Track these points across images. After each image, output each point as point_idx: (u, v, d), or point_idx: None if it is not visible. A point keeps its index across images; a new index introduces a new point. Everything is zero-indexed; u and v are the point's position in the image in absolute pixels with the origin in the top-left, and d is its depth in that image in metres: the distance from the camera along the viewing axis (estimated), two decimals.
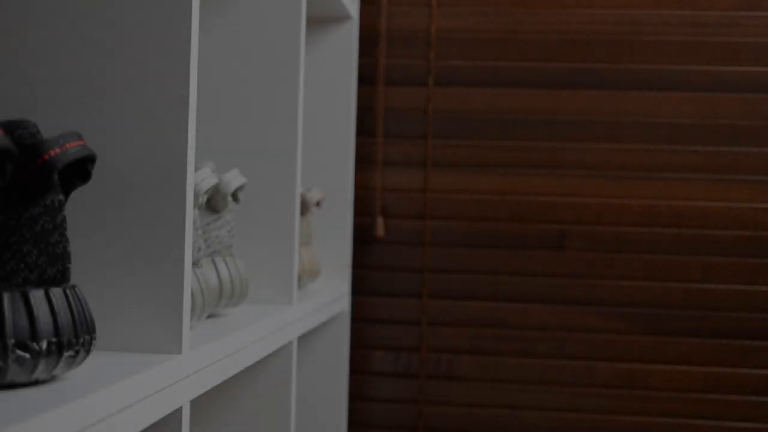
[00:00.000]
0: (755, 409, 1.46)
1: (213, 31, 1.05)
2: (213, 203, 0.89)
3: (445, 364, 1.52)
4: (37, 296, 0.51)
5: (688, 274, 1.48)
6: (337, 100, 1.45)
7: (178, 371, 0.65)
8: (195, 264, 0.80)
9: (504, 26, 1.52)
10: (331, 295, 1.30)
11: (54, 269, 0.53)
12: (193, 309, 0.76)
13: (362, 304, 1.54)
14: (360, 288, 1.54)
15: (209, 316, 0.91)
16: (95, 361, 0.61)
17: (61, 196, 0.54)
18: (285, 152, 1.04)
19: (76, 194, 0.66)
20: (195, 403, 1.04)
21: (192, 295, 0.76)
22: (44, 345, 0.50)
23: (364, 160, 1.54)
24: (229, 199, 0.89)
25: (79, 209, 0.66)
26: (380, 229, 1.52)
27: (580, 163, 1.50)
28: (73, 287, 0.54)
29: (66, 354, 0.52)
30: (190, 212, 0.67)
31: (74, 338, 0.52)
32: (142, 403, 0.58)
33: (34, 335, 0.50)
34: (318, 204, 1.26)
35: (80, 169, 0.56)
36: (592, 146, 1.50)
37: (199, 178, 0.81)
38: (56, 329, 0.51)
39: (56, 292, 0.52)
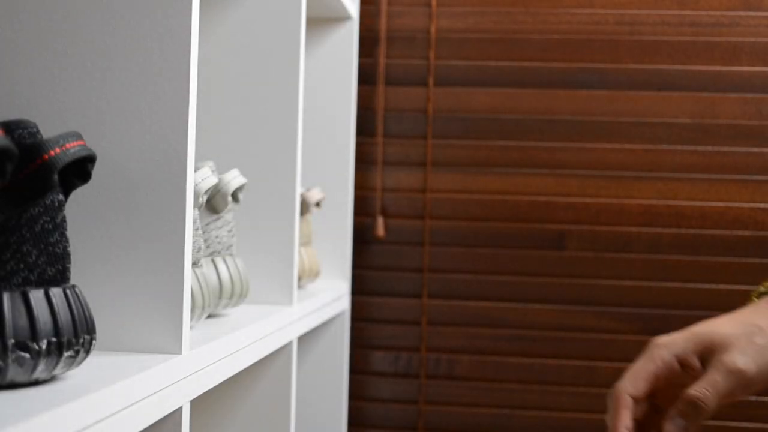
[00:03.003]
0: (755, 409, 1.46)
1: (213, 31, 1.05)
2: (213, 203, 0.89)
3: (445, 364, 1.52)
4: (37, 296, 0.51)
5: (688, 274, 1.48)
6: (337, 100, 1.45)
7: (178, 371, 0.65)
8: (195, 264, 0.80)
9: (504, 26, 1.52)
10: (331, 295, 1.30)
11: (54, 269, 0.53)
12: (193, 309, 0.76)
13: (362, 304, 1.54)
14: (360, 288, 1.54)
15: (209, 316, 0.91)
16: (95, 361, 0.61)
17: (61, 196, 0.54)
18: (285, 152, 1.04)
19: (76, 194, 0.66)
20: (195, 403, 1.04)
21: (192, 295, 0.76)
22: (44, 345, 0.50)
23: (364, 160, 1.54)
24: (229, 199, 0.89)
25: (79, 209, 0.66)
26: (380, 229, 1.52)
27: (580, 163, 1.50)
28: (73, 287, 0.54)
29: (66, 354, 0.52)
30: (190, 212, 0.67)
31: (74, 338, 0.52)
32: (142, 403, 0.58)
33: (34, 335, 0.50)
34: (318, 204, 1.26)
35: (80, 169, 0.56)
36: (592, 146, 1.50)
37: (199, 178, 0.81)
38: (56, 329, 0.51)
39: (56, 292, 0.52)
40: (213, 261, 0.87)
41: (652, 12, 1.49)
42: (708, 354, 0.70)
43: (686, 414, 0.68)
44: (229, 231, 0.91)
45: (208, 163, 0.85)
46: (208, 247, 0.88)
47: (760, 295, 0.75)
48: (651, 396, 0.72)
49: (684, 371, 0.71)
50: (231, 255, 0.91)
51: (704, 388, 0.68)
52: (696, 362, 0.70)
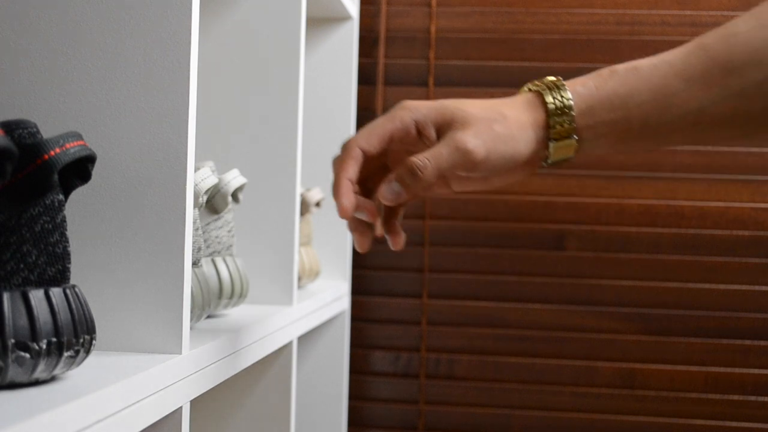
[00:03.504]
0: (755, 409, 1.46)
1: (213, 31, 1.05)
2: (213, 203, 0.89)
3: (445, 364, 1.52)
4: (37, 296, 0.51)
5: (688, 274, 1.48)
6: (337, 100, 1.45)
7: (178, 371, 0.65)
8: (195, 264, 0.80)
9: (504, 26, 1.52)
10: (331, 295, 1.30)
11: (54, 269, 0.53)
12: (193, 309, 0.76)
13: (362, 304, 1.54)
14: (360, 288, 1.54)
15: (209, 316, 0.91)
16: (95, 361, 0.61)
17: (61, 196, 0.54)
18: (285, 152, 1.04)
19: (76, 194, 0.66)
20: (195, 403, 1.04)
21: (192, 295, 0.76)
22: (44, 345, 0.50)
23: None
24: (229, 199, 0.89)
25: (79, 209, 0.66)
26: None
27: (579, 163, 1.50)
28: (73, 287, 0.54)
29: (66, 354, 0.52)
30: (190, 212, 0.67)
31: (74, 338, 0.52)
32: (142, 403, 0.58)
33: (34, 335, 0.50)
34: (318, 204, 1.26)
35: (80, 169, 0.56)
36: None
37: (199, 178, 0.81)
38: (56, 329, 0.51)
39: (56, 292, 0.52)
40: (213, 261, 0.87)
41: (652, 12, 1.49)
42: (446, 128, 0.69)
43: (402, 180, 0.68)
44: (229, 231, 0.91)
45: (208, 163, 0.85)
46: (208, 247, 0.88)
47: (529, 91, 0.74)
48: (384, 156, 0.71)
49: (420, 140, 0.70)
50: (231, 255, 0.91)
51: (426, 158, 0.67)
52: (432, 133, 0.69)
